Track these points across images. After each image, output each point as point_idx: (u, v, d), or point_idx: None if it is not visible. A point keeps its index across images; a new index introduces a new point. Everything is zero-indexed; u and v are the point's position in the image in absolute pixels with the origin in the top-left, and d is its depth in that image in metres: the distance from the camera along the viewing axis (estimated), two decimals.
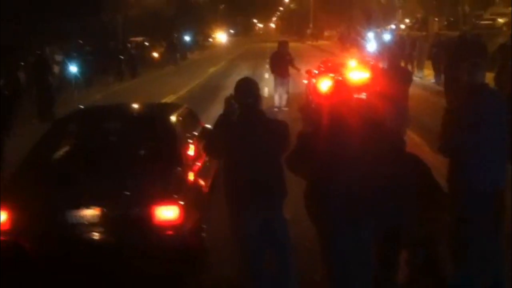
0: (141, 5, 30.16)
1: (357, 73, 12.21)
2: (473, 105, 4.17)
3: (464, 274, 4.25)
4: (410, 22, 39.37)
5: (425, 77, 18.82)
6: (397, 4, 28.02)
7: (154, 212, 4.66)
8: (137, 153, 5.43)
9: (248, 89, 4.20)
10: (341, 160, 3.65)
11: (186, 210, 4.78)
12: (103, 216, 4.73)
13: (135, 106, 7.52)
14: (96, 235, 4.81)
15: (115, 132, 6.07)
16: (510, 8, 26.70)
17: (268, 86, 16.78)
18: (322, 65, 14.31)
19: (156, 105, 8.86)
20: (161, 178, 4.92)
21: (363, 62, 15.02)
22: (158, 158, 5.18)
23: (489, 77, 12.19)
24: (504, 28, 27.86)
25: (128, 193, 4.80)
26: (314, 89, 12.91)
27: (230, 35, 72.16)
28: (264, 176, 4.11)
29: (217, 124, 4.25)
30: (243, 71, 24.62)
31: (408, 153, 4.24)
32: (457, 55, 12.92)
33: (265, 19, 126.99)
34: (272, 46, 18.04)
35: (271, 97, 14.94)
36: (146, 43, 34.74)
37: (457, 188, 4.20)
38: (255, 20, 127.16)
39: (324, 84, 11.40)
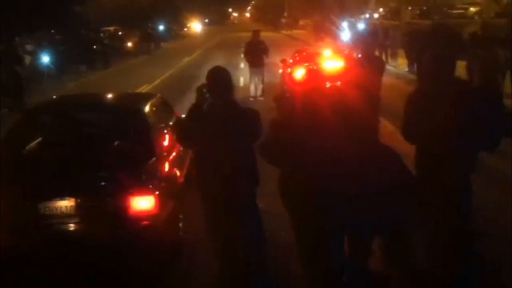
0: None
1: (331, 62, 12.27)
2: (439, 95, 4.22)
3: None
4: (384, 11, 39.64)
5: (398, 66, 18.99)
6: None
7: (130, 203, 4.64)
8: (111, 143, 5.37)
9: (219, 78, 4.20)
10: (314, 147, 3.67)
11: (161, 200, 4.76)
12: (77, 208, 4.68)
13: (108, 96, 7.38)
14: (70, 227, 4.76)
15: (88, 122, 5.97)
16: None
17: (243, 76, 16.76)
18: (297, 55, 14.35)
19: (130, 95, 8.72)
20: (136, 169, 4.89)
21: (338, 51, 15.11)
22: (132, 148, 5.12)
23: (461, 66, 12.45)
24: (476, 17, 28.22)
25: (102, 183, 4.77)
26: (289, 78, 12.95)
27: (204, 24, 71.62)
28: (235, 164, 4.13)
29: (189, 114, 4.26)
30: (218, 61, 24.49)
31: (380, 144, 4.29)
32: (430, 43, 13.10)
33: (240, 8, 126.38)
34: (247, 35, 18.04)
35: (246, 87, 14.95)
36: (120, 33, 34.31)
37: (422, 174, 4.27)
38: (230, 9, 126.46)
39: (299, 74, 11.47)
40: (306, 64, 12.26)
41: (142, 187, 4.72)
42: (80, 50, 24.22)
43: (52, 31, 23.37)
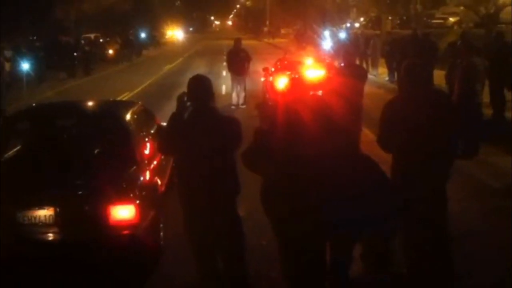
0: (95, 0, 29.55)
1: (313, 71, 12.36)
2: (414, 104, 4.24)
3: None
4: (365, 20, 40.00)
5: (379, 75, 19.17)
6: (351, 2, 28.38)
7: (110, 212, 4.60)
8: (92, 152, 5.32)
9: (199, 86, 4.19)
10: (297, 156, 3.67)
11: (142, 209, 4.74)
12: (57, 216, 4.61)
13: (89, 103, 7.33)
14: (50, 236, 4.70)
15: (69, 130, 5.96)
16: (461, 8, 27.46)
17: (225, 83, 16.75)
18: (278, 63, 14.47)
19: (111, 102, 8.66)
20: (116, 177, 4.86)
21: (319, 60, 15.22)
22: (113, 156, 5.11)
23: (441, 75, 12.62)
24: (455, 27, 28.65)
25: (82, 192, 4.73)
26: (271, 86, 13.03)
27: (186, 32, 71.58)
28: (216, 172, 4.12)
29: (169, 122, 4.24)
30: (200, 68, 24.51)
31: (360, 152, 4.32)
32: (409, 53, 13.25)
33: (222, 16, 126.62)
34: (229, 43, 18.01)
35: (228, 95, 14.94)
36: (101, 40, 34.13)
37: (399, 182, 4.30)
38: (212, 17, 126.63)
39: (281, 82, 11.51)
40: (288, 72, 12.32)
41: (122, 196, 4.67)
42: (60, 56, 24.03)
43: (31, 38, 23.05)
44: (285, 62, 14.45)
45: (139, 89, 19.17)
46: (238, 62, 14.06)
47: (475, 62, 8.86)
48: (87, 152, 5.25)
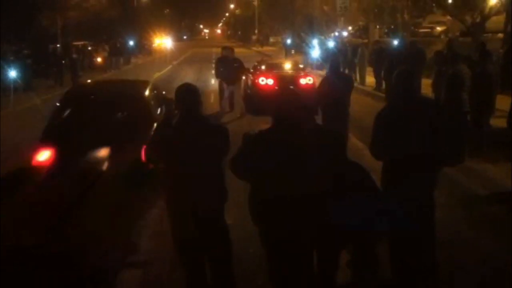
0: (83, 7, 29.46)
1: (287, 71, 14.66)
2: (404, 112, 4.29)
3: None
4: (353, 29, 40.25)
5: (367, 83, 19.26)
6: (339, 11, 28.57)
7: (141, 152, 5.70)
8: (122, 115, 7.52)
9: (187, 95, 4.21)
10: (286, 164, 3.68)
11: None
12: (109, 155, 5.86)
13: (120, 81, 11.49)
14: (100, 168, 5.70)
15: (110, 95, 8.21)
16: (447, 17, 27.73)
17: (214, 91, 16.74)
18: (257, 64, 16.30)
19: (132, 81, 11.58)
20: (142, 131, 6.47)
21: (295, 62, 16.76)
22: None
23: (427, 84, 12.72)
24: (442, 36, 28.93)
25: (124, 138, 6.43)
26: (251, 82, 14.63)
27: (175, 39, 71.55)
28: (204, 179, 4.13)
29: (157, 130, 4.23)
30: (188, 76, 24.48)
31: (349, 160, 4.33)
32: (397, 61, 13.34)
33: (211, 24, 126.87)
34: (218, 51, 17.95)
35: (217, 102, 14.93)
36: (89, 48, 34.01)
37: (388, 188, 4.35)
38: (201, 26, 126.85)
39: (259, 79, 14.08)
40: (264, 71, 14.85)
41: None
42: (47, 64, 23.88)
43: (18, 45, 22.90)
44: (263, 63, 16.47)
45: None
46: (232, 71, 14.09)
47: (460, 70, 8.96)
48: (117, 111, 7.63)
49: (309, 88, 13.26)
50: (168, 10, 76.95)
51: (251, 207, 3.92)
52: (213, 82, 18.59)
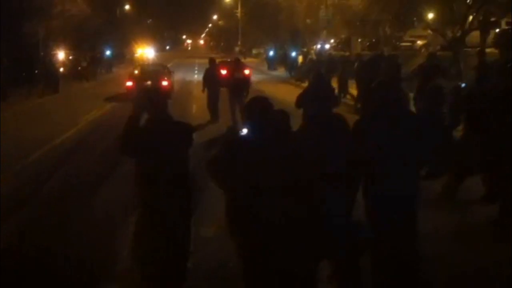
0: (64, 17, 29.28)
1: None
2: (382, 124, 4.29)
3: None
4: (335, 42, 40.52)
5: (347, 97, 19.16)
6: (322, 24, 28.80)
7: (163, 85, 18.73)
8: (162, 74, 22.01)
9: (154, 98, 4.64)
10: (264, 177, 3.65)
11: (171, 82, 22.65)
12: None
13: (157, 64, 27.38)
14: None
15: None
16: (428, 31, 28.08)
17: (196, 102, 16.73)
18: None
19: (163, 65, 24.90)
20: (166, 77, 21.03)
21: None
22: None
23: (409, 97, 12.78)
24: (423, 50, 29.25)
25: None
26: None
27: (158, 50, 71.42)
28: (170, 172, 4.44)
29: (128, 125, 4.49)
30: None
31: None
32: (376, 73, 13.44)
33: (194, 35, 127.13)
34: (200, 62, 17.99)
35: (202, 113, 14.99)
36: (70, 57, 33.82)
37: (368, 196, 4.34)
38: (184, 36, 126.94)
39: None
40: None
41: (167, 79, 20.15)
42: (27, 73, 23.74)
43: None
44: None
45: (108, 106, 18.98)
46: (238, 83, 14.33)
47: (440, 84, 9.03)
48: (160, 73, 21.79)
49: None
50: (151, 20, 76.88)
51: (228, 219, 3.89)
52: (195, 92, 18.60)
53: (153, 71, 22.84)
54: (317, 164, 3.92)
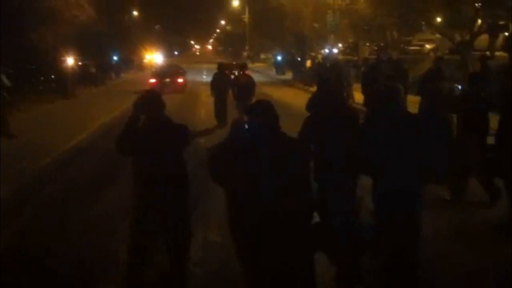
0: (73, 23, 29.46)
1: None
2: (386, 126, 4.33)
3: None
4: (343, 46, 40.47)
5: (355, 100, 19.16)
6: (329, 29, 28.78)
7: (179, 79, 27.60)
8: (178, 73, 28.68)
9: (151, 100, 4.78)
10: (258, 176, 3.69)
11: (185, 79, 28.33)
12: (169, 82, 25.77)
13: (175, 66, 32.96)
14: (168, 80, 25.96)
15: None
16: (437, 35, 28.05)
17: (204, 107, 16.77)
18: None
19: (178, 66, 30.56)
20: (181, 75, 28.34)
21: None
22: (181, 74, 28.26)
23: (414, 101, 12.78)
24: (431, 54, 29.21)
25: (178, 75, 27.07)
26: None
27: (167, 55, 71.67)
28: (167, 171, 4.58)
29: (128, 126, 4.66)
30: (178, 93, 24.40)
31: None
32: (381, 77, 13.47)
33: (202, 40, 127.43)
34: (209, 66, 18.09)
35: (209, 118, 15.04)
36: (80, 63, 34.07)
37: (376, 203, 4.37)
38: (192, 42, 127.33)
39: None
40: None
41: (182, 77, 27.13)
42: (39, 79, 23.91)
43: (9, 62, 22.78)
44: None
45: (116, 112, 19.06)
46: (245, 89, 14.43)
47: (440, 87, 9.04)
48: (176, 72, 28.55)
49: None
50: (158, 26, 77.18)
51: (229, 220, 3.94)
52: (203, 97, 18.66)
53: (170, 71, 28.35)
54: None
